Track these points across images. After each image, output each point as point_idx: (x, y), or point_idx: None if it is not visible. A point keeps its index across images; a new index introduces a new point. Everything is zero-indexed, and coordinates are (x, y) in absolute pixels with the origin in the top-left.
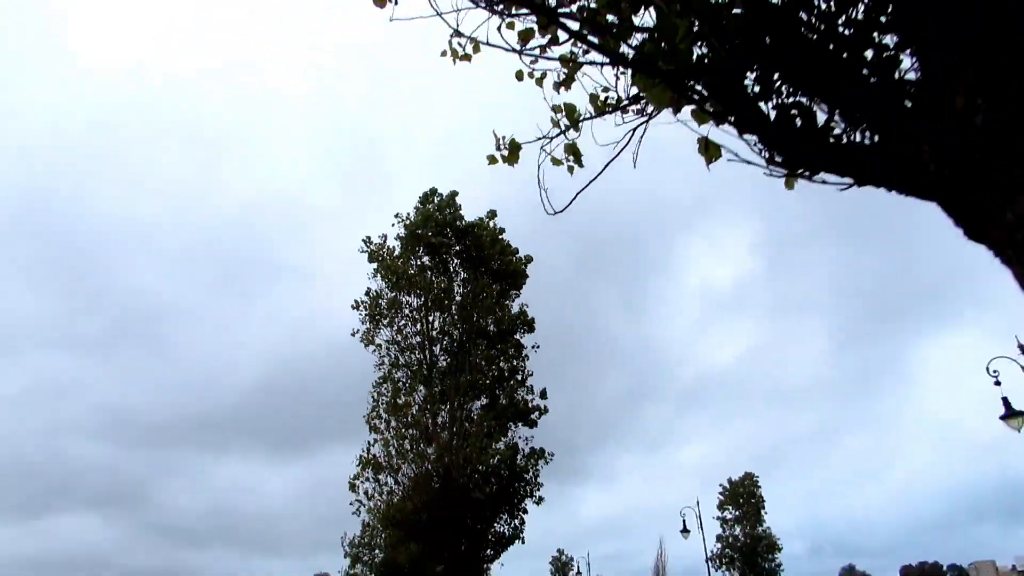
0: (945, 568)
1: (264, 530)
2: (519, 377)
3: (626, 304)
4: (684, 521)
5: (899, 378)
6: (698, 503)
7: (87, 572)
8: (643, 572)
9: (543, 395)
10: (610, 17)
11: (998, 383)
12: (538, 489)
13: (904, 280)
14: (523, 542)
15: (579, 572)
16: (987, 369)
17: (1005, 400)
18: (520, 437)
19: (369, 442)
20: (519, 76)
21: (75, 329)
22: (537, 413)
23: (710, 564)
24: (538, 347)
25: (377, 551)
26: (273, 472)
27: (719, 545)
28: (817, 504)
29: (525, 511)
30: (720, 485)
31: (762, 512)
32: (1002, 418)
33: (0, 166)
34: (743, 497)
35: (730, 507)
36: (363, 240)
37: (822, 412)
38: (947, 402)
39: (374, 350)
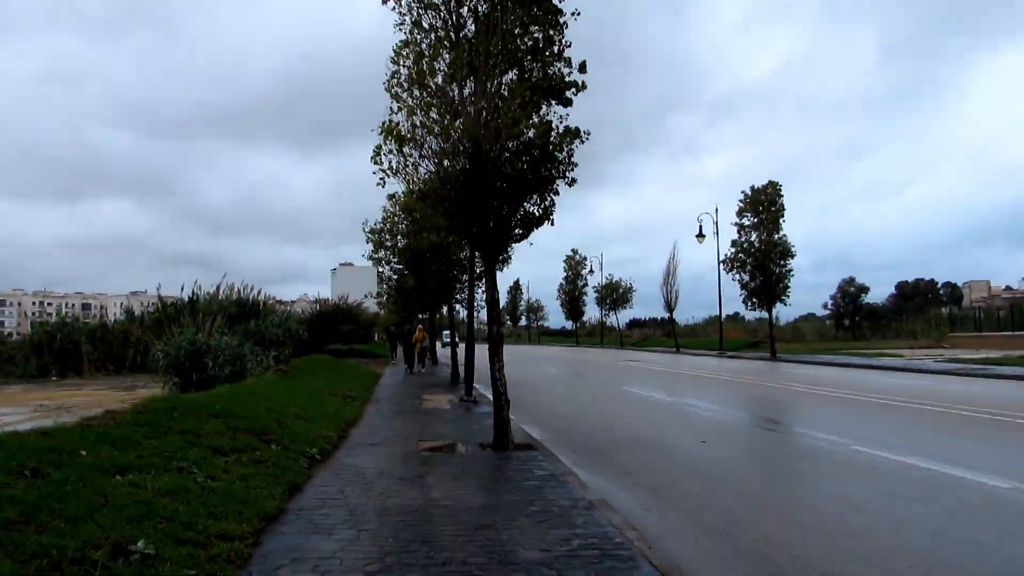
0: (939, 285)
1: (293, 222)
2: (555, 49)
3: (665, 1)
4: (700, 226)
5: (940, 96)
6: (716, 210)
7: (125, 252)
8: (655, 275)
9: (582, 68)
10: None
11: None
12: (571, 170)
13: None
14: (552, 223)
15: (591, 271)
16: None
17: None
18: (554, 114)
19: (391, 109)
20: None
21: (78, 4)
22: (574, 89)
23: (722, 266)
24: (578, 14)
25: (400, 237)
26: (300, 168)
27: (733, 250)
28: (828, 220)
29: (556, 192)
30: (742, 192)
31: (780, 220)
32: None
33: None
34: (763, 204)
35: (749, 213)
36: None
37: (854, 127)
38: (984, 124)
39: (393, 6)
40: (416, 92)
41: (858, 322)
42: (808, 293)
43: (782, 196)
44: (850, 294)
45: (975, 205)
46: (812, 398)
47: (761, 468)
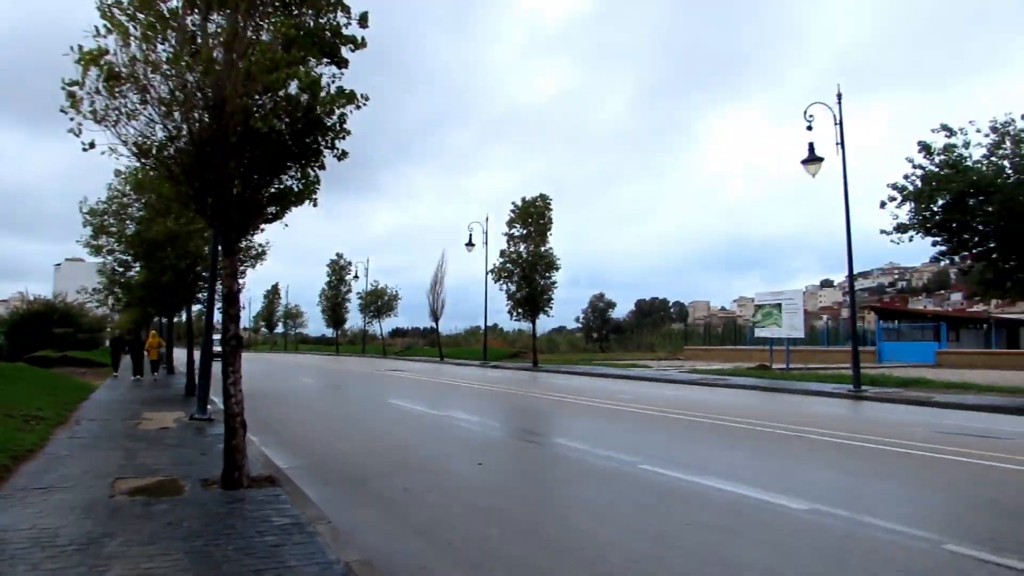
0: (670, 303)
1: (18, 210)
2: None
3: (449, 16)
4: (471, 235)
5: (683, 140)
6: (487, 219)
7: None
8: (422, 284)
9: (363, 21)
10: None
11: (810, 128)
12: (342, 139)
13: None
14: (315, 203)
15: (356, 276)
16: (804, 114)
17: (811, 145)
18: (327, 73)
19: (98, 30)
20: None
21: None
22: (351, 47)
23: (490, 276)
24: None
25: (129, 223)
26: (31, 148)
27: (501, 260)
28: (582, 240)
29: (322, 166)
30: (512, 203)
31: (548, 233)
32: (803, 162)
33: None
34: (533, 216)
35: (519, 224)
36: None
37: (611, 159)
38: (713, 168)
39: None
40: (141, 16)
41: (605, 335)
42: (561, 307)
43: (551, 209)
44: (599, 309)
45: (701, 236)
46: (585, 410)
47: (548, 497)
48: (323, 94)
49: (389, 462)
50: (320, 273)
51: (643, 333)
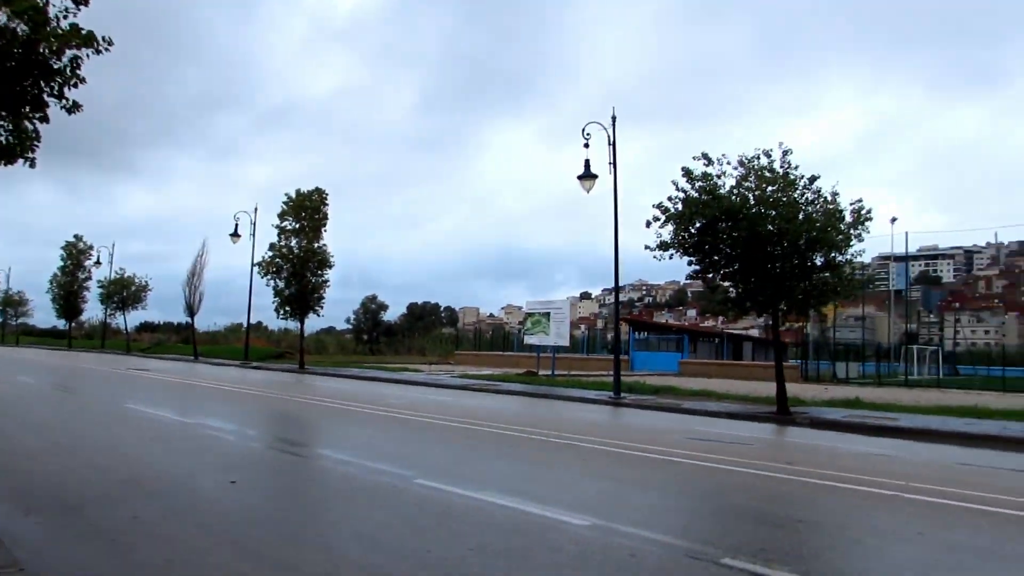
0: (442, 308)
1: None
2: None
3: None
4: (237, 225)
5: (462, 149)
6: (256, 209)
7: None
8: (178, 275)
9: None
10: None
11: (587, 145)
12: (74, 86)
13: (497, 63)
14: (33, 164)
15: (98, 262)
16: (582, 131)
17: (587, 162)
18: (56, 6)
19: None
20: None
21: None
22: None
23: (256, 270)
24: None
25: None
26: None
27: (271, 254)
28: (357, 240)
29: (45, 118)
30: (286, 194)
31: (323, 229)
32: (579, 178)
33: None
34: (307, 210)
35: (291, 218)
36: None
37: (392, 161)
38: (488, 179)
39: None
40: None
41: (376, 337)
42: (331, 307)
43: (327, 204)
44: (371, 311)
45: (474, 244)
46: (354, 417)
47: (313, 522)
48: (50, 27)
49: (118, 482)
50: (52, 255)
51: (414, 337)
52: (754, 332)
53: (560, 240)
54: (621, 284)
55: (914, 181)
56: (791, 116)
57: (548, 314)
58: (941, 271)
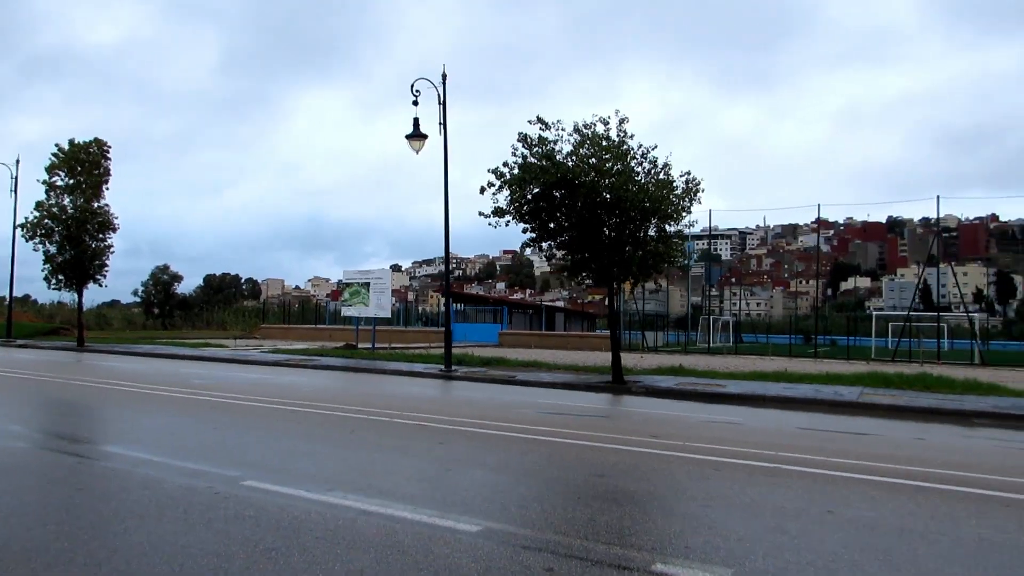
0: (243, 280)
1: None
2: None
3: None
4: None
5: (267, 113)
6: (18, 162)
7: None
8: None
9: None
10: None
11: (416, 103)
12: None
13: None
14: None
15: None
16: (411, 88)
17: (416, 120)
18: None
19: None
20: None
21: None
22: None
23: (21, 231)
24: None
25: None
26: None
27: (38, 213)
28: (146, 206)
29: None
30: (56, 145)
31: (104, 187)
32: (408, 137)
33: None
34: (84, 164)
35: (63, 172)
36: None
37: (187, 122)
38: (296, 146)
39: None
40: None
41: (169, 311)
42: (116, 278)
43: (109, 159)
44: (163, 282)
45: (280, 214)
46: (151, 402)
47: (106, 555)
48: None
49: None
50: None
51: (213, 310)
52: (560, 304)
53: (369, 212)
54: (430, 257)
55: (700, 168)
56: (596, 101)
57: (368, 284)
58: (721, 249)
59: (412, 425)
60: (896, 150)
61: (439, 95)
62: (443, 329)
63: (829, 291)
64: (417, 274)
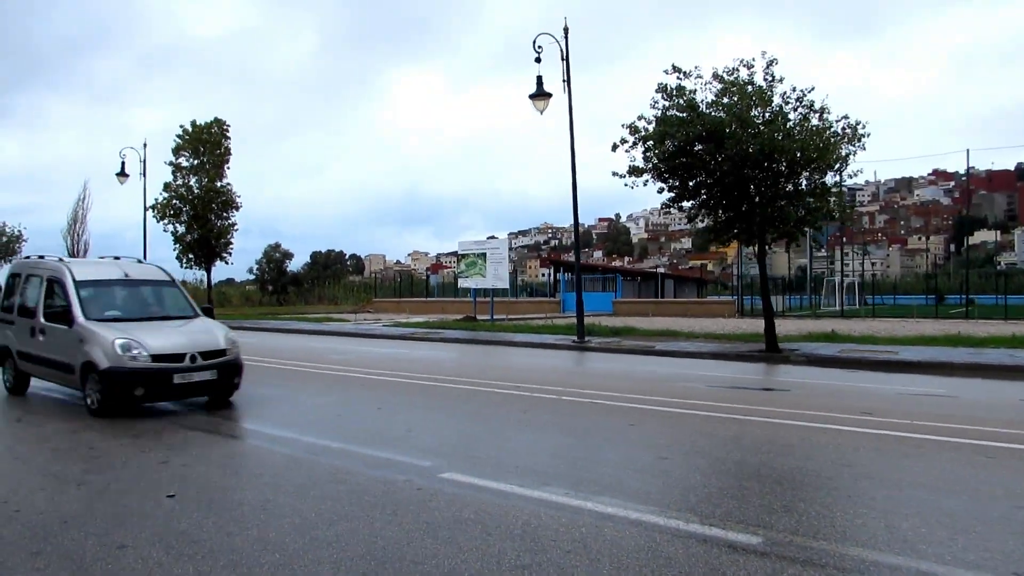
0: (347, 256)
1: None
2: None
3: None
4: (124, 163)
5: (365, 93)
6: (145, 146)
7: None
8: (57, 228)
9: None
10: None
11: (539, 60)
12: None
13: (396, 4)
14: None
15: None
16: (533, 44)
17: (539, 79)
18: None
19: None
20: None
21: None
22: None
23: (151, 213)
24: None
25: None
26: None
27: (167, 195)
28: (255, 188)
29: None
30: (180, 126)
31: (226, 166)
32: (531, 96)
33: None
34: (207, 144)
35: (188, 152)
36: None
37: (289, 106)
38: (396, 126)
39: None
40: None
41: (283, 287)
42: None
43: (229, 139)
44: (276, 260)
45: (377, 191)
46: (296, 378)
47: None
48: None
49: None
50: None
51: (324, 286)
52: (661, 270)
53: (463, 186)
54: (525, 228)
55: None
56: (695, 60)
57: (484, 255)
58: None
59: (584, 403)
60: (1019, 92)
61: (562, 51)
62: (553, 299)
63: (952, 247)
64: (513, 245)
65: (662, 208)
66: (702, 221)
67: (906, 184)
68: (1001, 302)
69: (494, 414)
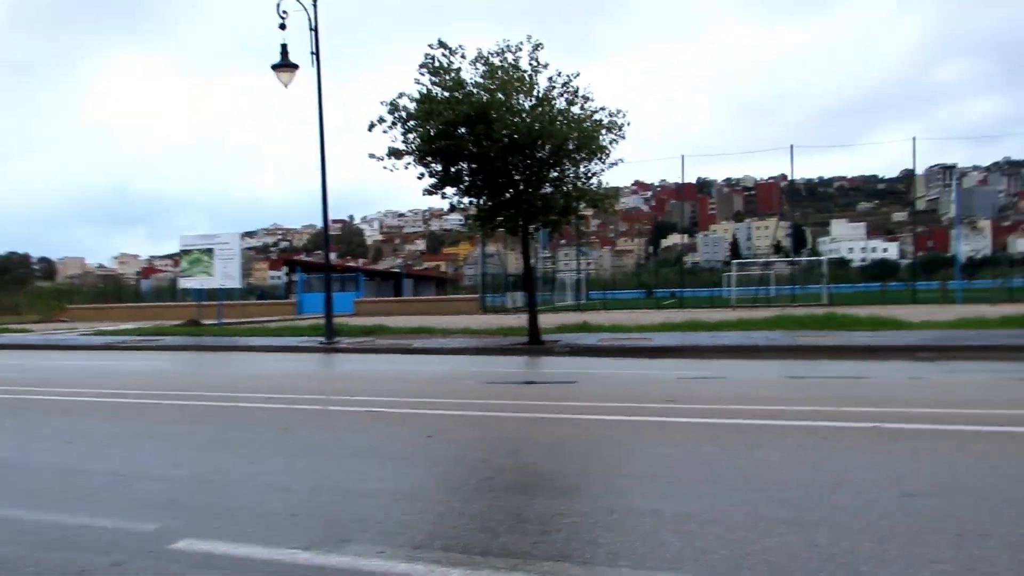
0: (35, 260)
1: None
2: None
3: None
4: None
5: (63, 78)
6: None
7: None
8: None
9: None
10: None
11: (283, 26)
12: None
13: None
14: None
15: None
16: (277, 9)
17: (283, 47)
18: None
19: None
20: None
21: None
22: None
23: None
24: None
25: None
26: None
27: None
28: None
29: None
30: None
31: None
32: (274, 67)
33: None
34: None
35: None
36: None
37: None
38: (102, 112)
39: None
40: None
41: None
42: None
43: None
44: None
45: (78, 186)
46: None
47: None
48: None
49: None
50: None
51: (4, 294)
52: (396, 270)
53: (186, 184)
54: (253, 229)
55: None
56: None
57: (211, 251)
58: None
59: (361, 413)
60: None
61: (309, 19)
62: (287, 301)
63: (651, 248)
64: (241, 246)
65: (424, 194)
66: (466, 209)
67: (614, 193)
68: (697, 294)
69: (243, 437)
